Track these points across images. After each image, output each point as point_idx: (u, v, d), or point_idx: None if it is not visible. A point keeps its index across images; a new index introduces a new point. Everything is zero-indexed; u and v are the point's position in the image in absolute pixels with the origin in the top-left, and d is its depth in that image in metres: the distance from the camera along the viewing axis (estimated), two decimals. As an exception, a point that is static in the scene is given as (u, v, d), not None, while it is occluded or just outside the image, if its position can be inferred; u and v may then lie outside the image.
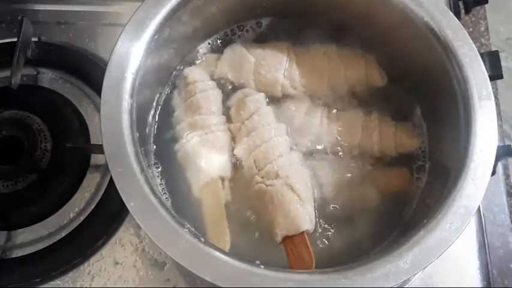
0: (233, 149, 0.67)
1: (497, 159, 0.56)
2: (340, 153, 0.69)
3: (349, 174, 0.67)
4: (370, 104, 0.71)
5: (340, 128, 0.69)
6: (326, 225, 0.65)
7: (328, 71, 0.71)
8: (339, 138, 0.68)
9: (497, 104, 0.58)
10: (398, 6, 0.64)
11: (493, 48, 0.82)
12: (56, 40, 0.81)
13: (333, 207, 0.66)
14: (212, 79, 0.72)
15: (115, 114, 0.56)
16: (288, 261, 0.60)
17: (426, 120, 0.70)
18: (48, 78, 0.80)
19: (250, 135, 0.66)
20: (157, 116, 0.70)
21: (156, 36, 0.61)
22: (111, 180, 0.71)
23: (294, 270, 0.52)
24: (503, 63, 0.63)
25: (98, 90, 0.76)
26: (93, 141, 0.75)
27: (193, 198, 0.65)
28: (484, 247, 0.70)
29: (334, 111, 0.70)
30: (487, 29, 0.85)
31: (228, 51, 0.72)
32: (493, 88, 0.59)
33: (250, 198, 0.65)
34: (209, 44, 0.74)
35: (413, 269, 0.50)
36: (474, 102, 0.58)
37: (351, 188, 0.66)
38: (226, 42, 0.74)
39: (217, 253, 0.51)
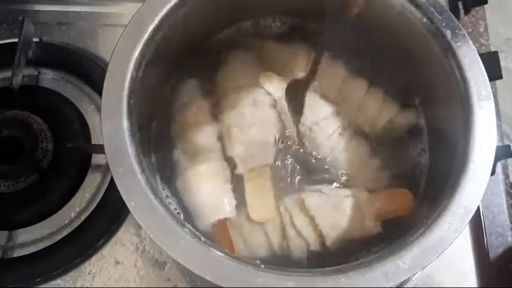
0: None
1: (497, 159, 0.56)
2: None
3: (345, 204, 0.63)
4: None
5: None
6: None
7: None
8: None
9: (496, 104, 0.58)
10: (396, 7, 0.64)
11: (493, 49, 0.81)
12: (57, 40, 0.81)
13: (330, 243, 0.62)
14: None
15: (116, 114, 0.56)
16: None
17: (425, 120, 0.70)
18: (49, 78, 0.80)
19: None
20: (158, 116, 0.70)
21: (157, 36, 0.61)
22: (112, 180, 0.71)
23: (294, 270, 0.52)
24: (502, 64, 0.63)
25: (98, 90, 0.76)
26: (94, 141, 0.76)
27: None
28: (483, 247, 0.70)
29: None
30: (486, 29, 0.85)
31: (231, 58, 0.72)
32: (492, 88, 0.59)
33: None
34: (212, 43, 0.74)
35: (413, 268, 0.50)
36: (473, 102, 0.58)
37: (347, 219, 0.62)
38: (229, 42, 0.74)
39: (217, 253, 0.51)
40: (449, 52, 0.60)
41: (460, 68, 0.59)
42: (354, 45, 0.72)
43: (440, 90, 0.63)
